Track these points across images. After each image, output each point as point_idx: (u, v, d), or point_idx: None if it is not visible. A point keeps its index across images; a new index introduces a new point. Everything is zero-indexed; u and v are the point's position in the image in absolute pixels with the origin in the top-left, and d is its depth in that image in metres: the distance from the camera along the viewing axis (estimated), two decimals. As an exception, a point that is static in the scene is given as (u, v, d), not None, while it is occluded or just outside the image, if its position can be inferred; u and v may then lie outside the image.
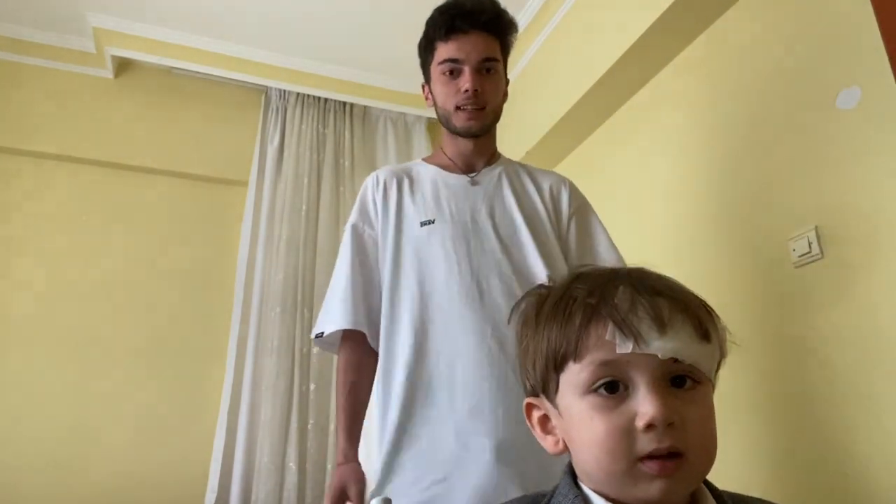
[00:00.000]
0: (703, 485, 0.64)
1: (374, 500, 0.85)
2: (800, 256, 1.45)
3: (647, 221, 1.99)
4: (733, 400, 1.50)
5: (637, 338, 0.58)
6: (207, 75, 2.60)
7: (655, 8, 1.81)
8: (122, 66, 2.57)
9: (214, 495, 2.12)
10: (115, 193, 2.45)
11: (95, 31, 2.43)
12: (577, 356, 0.60)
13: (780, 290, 1.51)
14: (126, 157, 2.47)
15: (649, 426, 0.56)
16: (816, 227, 1.43)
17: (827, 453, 1.35)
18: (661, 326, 0.58)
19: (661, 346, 0.58)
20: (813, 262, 1.44)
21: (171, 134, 2.56)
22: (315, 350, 2.32)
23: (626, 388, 0.59)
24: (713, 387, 0.63)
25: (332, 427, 2.26)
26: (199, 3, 2.38)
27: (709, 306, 0.63)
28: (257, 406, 2.22)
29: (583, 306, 0.61)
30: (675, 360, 0.58)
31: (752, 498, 0.67)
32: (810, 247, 1.43)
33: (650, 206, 1.99)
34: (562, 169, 2.50)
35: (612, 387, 0.59)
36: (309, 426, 2.23)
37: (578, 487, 0.63)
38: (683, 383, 0.59)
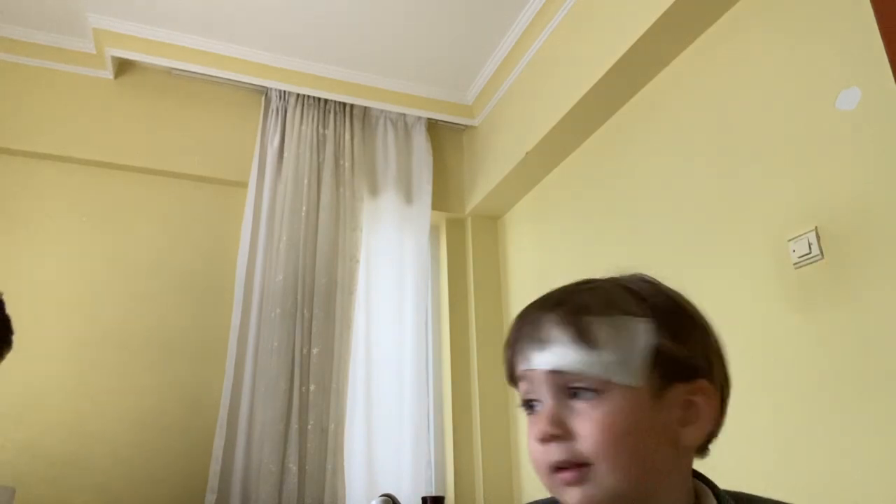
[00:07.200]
0: (703, 484, 0.64)
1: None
2: (800, 257, 1.46)
3: (646, 221, 1.99)
4: (732, 400, 1.50)
5: (521, 355, 0.64)
6: (207, 76, 2.60)
7: (656, 8, 1.81)
8: (122, 67, 2.57)
9: (214, 496, 2.12)
10: (115, 193, 2.45)
11: (95, 32, 2.43)
12: (512, 379, 0.67)
13: (780, 290, 1.51)
14: (126, 158, 2.47)
15: (542, 440, 0.61)
16: (816, 228, 1.43)
17: (825, 453, 1.35)
18: (540, 341, 0.62)
19: (540, 360, 0.62)
20: (813, 262, 1.44)
21: (171, 135, 2.55)
22: (315, 351, 2.32)
23: (541, 403, 0.63)
24: (649, 388, 0.60)
25: (331, 428, 2.26)
26: (199, 4, 2.38)
27: (618, 307, 0.62)
28: (257, 407, 2.22)
29: (509, 332, 0.68)
30: (563, 372, 0.61)
31: (756, 497, 0.67)
32: (810, 247, 1.43)
33: (650, 207, 1.99)
34: (562, 169, 2.51)
35: (528, 405, 0.65)
36: (309, 427, 2.23)
37: None
38: (578, 394, 0.61)
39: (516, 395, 0.67)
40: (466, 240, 2.89)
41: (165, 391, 2.27)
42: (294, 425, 2.21)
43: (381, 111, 2.83)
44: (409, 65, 2.73)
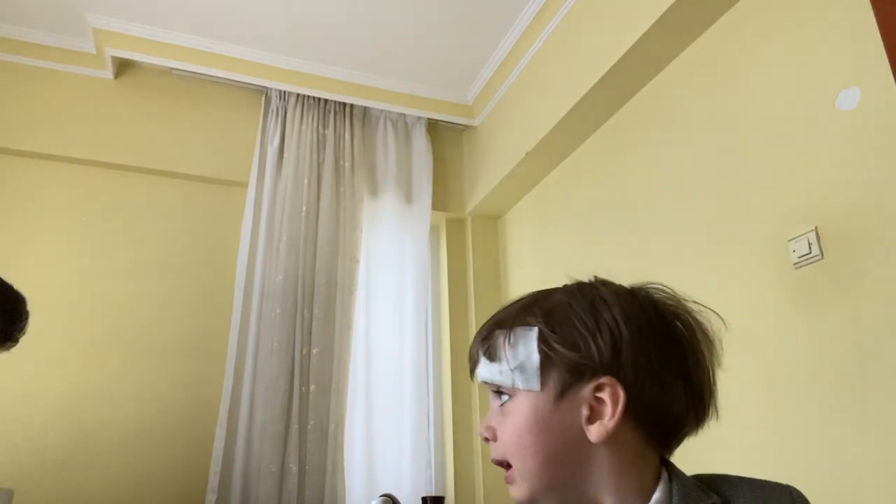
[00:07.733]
0: (665, 469, 0.65)
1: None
2: (800, 257, 1.46)
3: (646, 221, 1.99)
4: (733, 401, 1.50)
5: (470, 369, 0.71)
6: (207, 76, 2.60)
7: (656, 8, 1.81)
8: (123, 67, 2.57)
9: (215, 496, 2.12)
10: (115, 194, 2.45)
11: (95, 32, 2.43)
12: None
13: (780, 290, 1.51)
14: (126, 158, 2.47)
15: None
16: (816, 228, 1.43)
17: (825, 453, 1.35)
18: (476, 356, 0.69)
19: (477, 373, 0.69)
20: (813, 262, 1.44)
21: (171, 134, 2.55)
22: (315, 351, 2.32)
23: None
24: (550, 390, 0.63)
25: (331, 428, 2.26)
26: (199, 4, 2.38)
27: (520, 318, 0.66)
28: (257, 407, 2.21)
29: None
30: (488, 381, 0.68)
31: (725, 475, 0.68)
32: (810, 247, 1.43)
33: (650, 206, 1.99)
34: (562, 169, 2.50)
35: None
36: (309, 427, 2.23)
37: None
38: (501, 400, 0.67)
39: None
40: (466, 240, 2.89)
41: (165, 391, 2.27)
42: (294, 425, 2.21)
43: (381, 111, 2.83)
44: (409, 65, 2.73)
